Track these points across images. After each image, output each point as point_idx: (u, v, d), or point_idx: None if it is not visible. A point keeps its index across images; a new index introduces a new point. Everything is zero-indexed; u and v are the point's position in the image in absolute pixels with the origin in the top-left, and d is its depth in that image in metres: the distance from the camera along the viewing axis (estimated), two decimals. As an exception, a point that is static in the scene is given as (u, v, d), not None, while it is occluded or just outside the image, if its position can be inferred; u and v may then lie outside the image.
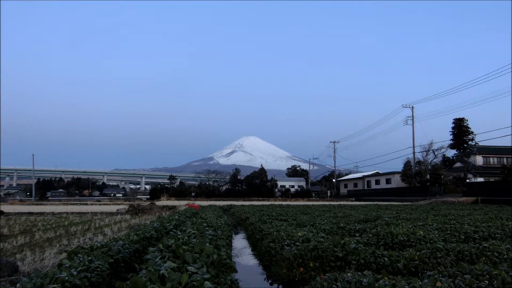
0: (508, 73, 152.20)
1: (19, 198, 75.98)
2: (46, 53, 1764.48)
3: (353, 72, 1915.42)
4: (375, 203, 35.65)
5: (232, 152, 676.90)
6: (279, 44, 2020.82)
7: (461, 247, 6.07)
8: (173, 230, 8.81)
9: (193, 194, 69.34)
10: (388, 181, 58.84)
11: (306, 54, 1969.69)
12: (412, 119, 54.75)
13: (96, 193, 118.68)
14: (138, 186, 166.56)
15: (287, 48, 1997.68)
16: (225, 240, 8.01)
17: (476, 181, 47.65)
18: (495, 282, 3.82)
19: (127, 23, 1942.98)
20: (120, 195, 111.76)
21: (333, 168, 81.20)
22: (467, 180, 47.90)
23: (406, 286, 3.68)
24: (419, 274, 4.97)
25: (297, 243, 6.54)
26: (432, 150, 51.60)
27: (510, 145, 50.27)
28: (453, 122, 55.60)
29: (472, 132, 54.67)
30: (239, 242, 10.56)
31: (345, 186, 74.29)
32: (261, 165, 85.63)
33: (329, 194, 70.24)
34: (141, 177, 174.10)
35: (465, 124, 54.80)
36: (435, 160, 51.81)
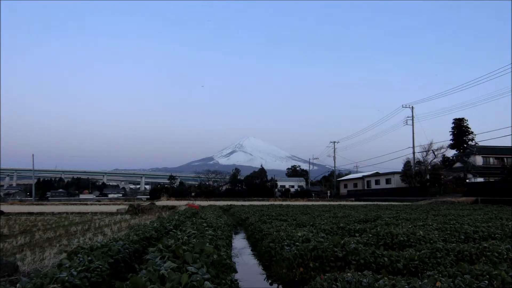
0: (508, 73, 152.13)
1: (19, 198, 76.05)
2: (46, 53, 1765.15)
3: (353, 72, 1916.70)
4: (375, 203, 35.62)
5: (232, 152, 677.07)
6: (279, 44, 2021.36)
7: (461, 247, 6.07)
8: (173, 230, 8.80)
9: (193, 194, 69.33)
10: (388, 181, 58.80)
11: (306, 54, 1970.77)
12: (412, 119, 54.78)
13: (96, 193, 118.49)
14: (138, 186, 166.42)
15: (287, 48, 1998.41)
16: (225, 240, 8.00)
17: (476, 181, 47.58)
18: (495, 282, 3.82)
19: (129, 27, 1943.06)
20: (120, 195, 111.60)
21: (333, 168, 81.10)
22: (467, 180, 47.81)
23: (406, 286, 3.67)
24: (419, 274, 4.97)
25: (297, 243, 6.52)
26: (432, 150, 51.57)
27: (510, 145, 50.21)
28: (453, 122, 55.51)
29: (472, 132, 54.56)
30: (239, 242, 10.56)
31: (345, 186, 74.22)
32: (261, 165, 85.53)
33: (329, 194, 70.16)
34: (141, 177, 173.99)
35: (465, 124, 54.70)
36: (435, 160, 51.75)
